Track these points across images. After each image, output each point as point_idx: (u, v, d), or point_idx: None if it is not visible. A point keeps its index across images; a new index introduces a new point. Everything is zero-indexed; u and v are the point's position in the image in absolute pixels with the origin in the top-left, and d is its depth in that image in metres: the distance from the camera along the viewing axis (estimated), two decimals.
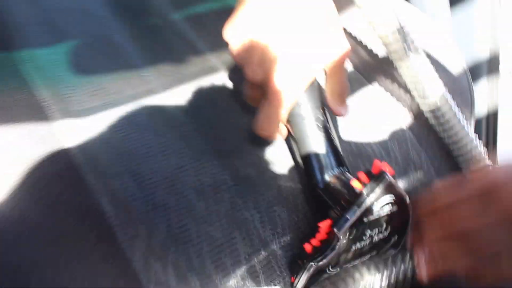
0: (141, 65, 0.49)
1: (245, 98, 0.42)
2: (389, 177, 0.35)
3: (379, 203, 0.36)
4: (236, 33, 0.38)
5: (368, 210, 0.35)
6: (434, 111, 0.45)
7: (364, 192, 0.35)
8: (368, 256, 0.40)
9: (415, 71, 0.44)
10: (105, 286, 0.35)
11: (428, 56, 0.50)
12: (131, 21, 0.54)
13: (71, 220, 0.36)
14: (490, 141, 0.63)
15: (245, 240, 0.40)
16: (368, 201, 0.35)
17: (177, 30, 0.52)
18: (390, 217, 0.37)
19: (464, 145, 0.46)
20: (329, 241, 0.36)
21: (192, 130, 0.45)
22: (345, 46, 0.38)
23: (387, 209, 0.37)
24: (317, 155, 0.40)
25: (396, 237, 0.40)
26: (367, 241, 0.38)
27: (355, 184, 0.37)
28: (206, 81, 0.49)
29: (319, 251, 0.37)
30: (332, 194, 0.39)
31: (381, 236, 0.38)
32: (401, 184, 0.45)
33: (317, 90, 0.41)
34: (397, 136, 0.48)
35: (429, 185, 0.48)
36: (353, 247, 0.37)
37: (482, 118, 0.63)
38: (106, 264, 0.35)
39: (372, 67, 0.52)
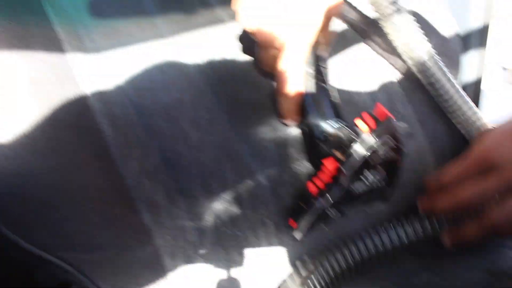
0: (153, 11, 0.47)
1: (259, 63, 0.38)
2: (395, 123, 0.33)
3: (384, 146, 0.33)
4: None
5: (375, 153, 0.32)
6: (423, 72, 0.42)
7: (373, 135, 0.32)
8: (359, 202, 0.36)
9: (401, 31, 0.41)
10: (96, 199, 0.33)
11: (418, 16, 0.47)
12: None
13: (72, 136, 0.34)
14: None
15: (234, 169, 0.38)
16: (375, 144, 0.32)
17: None
18: (385, 159, 0.34)
19: (456, 106, 0.42)
20: (336, 182, 0.33)
21: (194, 71, 0.42)
22: None
23: (385, 151, 0.33)
24: (317, 105, 0.36)
25: (387, 179, 0.36)
26: (365, 182, 0.34)
27: (361, 126, 0.33)
28: (212, 32, 0.46)
29: (324, 192, 0.33)
30: (333, 138, 0.35)
31: (375, 178, 0.35)
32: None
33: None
34: (386, 88, 0.45)
35: (413, 137, 0.44)
36: (354, 188, 0.34)
37: (467, 85, 0.59)
38: (100, 179, 0.34)
39: (364, 26, 0.49)
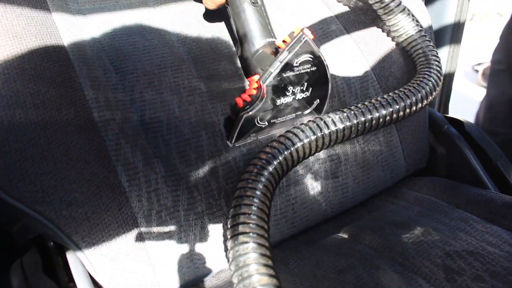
0: None
1: (205, 3, 0.43)
2: (307, 37, 0.36)
3: (299, 59, 0.36)
4: None
5: (288, 65, 0.36)
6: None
7: (286, 49, 0.36)
8: (293, 114, 0.40)
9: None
10: (76, 157, 0.34)
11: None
12: None
13: (53, 93, 0.34)
14: (443, 97, 0.63)
15: (210, 140, 0.39)
16: (288, 56, 0.36)
17: None
18: (310, 76, 0.38)
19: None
20: (257, 95, 0.37)
21: (176, 40, 0.43)
22: None
23: (306, 67, 0.37)
24: (248, 27, 0.40)
25: (318, 101, 0.41)
26: (291, 98, 0.38)
27: (279, 43, 0.38)
28: (196, 4, 0.47)
29: (249, 104, 0.37)
30: (262, 58, 0.39)
31: (303, 95, 0.39)
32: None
33: None
34: (359, 74, 0.47)
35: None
36: (278, 102, 0.38)
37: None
38: (80, 137, 0.35)
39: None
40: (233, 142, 0.39)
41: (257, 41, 0.40)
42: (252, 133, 0.39)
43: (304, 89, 0.39)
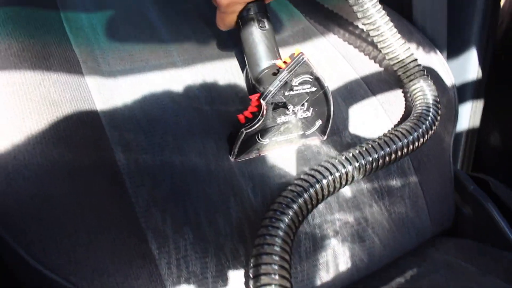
0: (167, 40, 0.49)
1: (218, 25, 0.46)
2: (305, 58, 0.37)
3: (298, 79, 0.38)
4: None
5: (288, 84, 0.38)
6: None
7: (285, 69, 0.38)
8: (296, 134, 0.43)
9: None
10: (108, 226, 0.34)
11: (421, 66, 0.50)
12: (167, 3, 0.53)
13: (87, 161, 0.35)
14: (467, 154, 0.63)
15: (238, 205, 0.40)
16: (287, 76, 0.37)
17: (204, 15, 0.52)
18: (310, 97, 0.40)
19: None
20: (258, 112, 0.39)
21: (204, 103, 0.44)
22: None
23: (306, 87, 0.39)
24: (255, 49, 0.43)
25: (320, 122, 0.43)
26: (292, 117, 0.40)
27: (280, 64, 0.40)
28: (223, 64, 0.49)
29: (250, 121, 0.39)
30: (265, 78, 0.41)
31: (304, 114, 0.41)
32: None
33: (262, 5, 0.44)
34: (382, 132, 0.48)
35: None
36: (279, 120, 0.40)
37: (463, 132, 0.62)
38: (112, 206, 0.35)
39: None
40: (234, 157, 0.41)
41: (262, 63, 0.42)
42: (254, 150, 0.41)
43: (305, 109, 0.41)
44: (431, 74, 0.51)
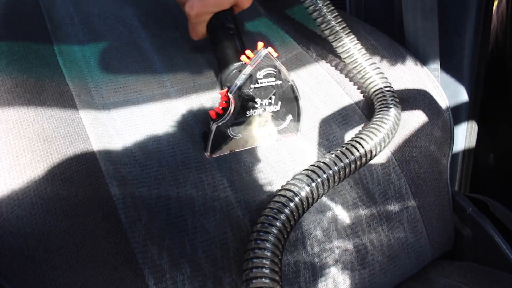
0: (161, 70, 0.49)
1: (190, 35, 0.49)
2: (267, 51, 0.40)
3: (261, 72, 0.40)
4: None
5: (252, 77, 0.40)
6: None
7: (249, 63, 0.40)
8: (267, 129, 0.45)
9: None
10: (103, 263, 0.34)
11: (413, 91, 0.51)
12: (158, 32, 0.54)
13: (82, 197, 0.35)
14: (464, 175, 0.63)
15: (235, 235, 0.40)
16: (251, 69, 0.39)
17: (197, 44, 0.52)
18: (276, 90, 0.42)
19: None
20: (228, 107, 0.41)
21: (198, 134, 0.44)
22: None
23: (270, 80, 0.41)
24: (225, 52, 0.46)
25: (290, 117, 0.45)
26: (260, 110, 0.43)
27: (244, 59, 0.42)
28: (216, 93, 0.49)
29: (221, 116, 0.41)
30: (233, 76, 0.43)
31: (272, 108, 0.43)
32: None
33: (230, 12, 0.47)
34: (381, 160, 0.48)
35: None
36: (248, 114, 0.42)
37: (459, 153, 0.63)
38: (107, 242, 0.35)
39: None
40: (208, 153, 0.43)
41: (231, 64, 0.45)
42: (227, 145, 0.43)
43: (273, 102, 0.43)
44: (425, 96, 0.52)
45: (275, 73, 0.41)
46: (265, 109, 0.43)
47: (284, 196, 0.38)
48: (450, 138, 0.52)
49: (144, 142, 0.42)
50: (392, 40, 0.55)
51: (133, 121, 0.44)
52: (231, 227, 0.40)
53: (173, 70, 0.50)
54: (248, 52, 0.42)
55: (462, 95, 0.59)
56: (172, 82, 0.49)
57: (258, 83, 0.41)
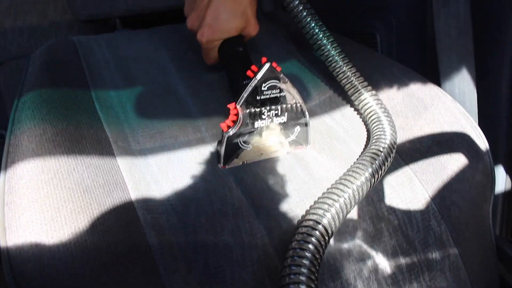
0: (195, 115, 0.50)
1: (204, 60, 0.54)
2: (270, 64, 0.42)
3: (266, 84, 0.43)
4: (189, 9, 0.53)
5: (257, 89, 0.42)
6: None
7: (254, 76, 0.42)
8: (276, 140, 0.46)
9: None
10: None
11: (453, 134, 0.50)
12: (192, 75, 0.55)
13: (121, 249, 0.35)
14: (505, 218, 0.61)
15: (274, 286, 0.39)
16: (255, 81, 0.42)
17: (228, 87, 0.53)
18: (282, 101, 0.44)
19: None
20: (238, 119, 0.43)
21: (233, 180, 0.44)
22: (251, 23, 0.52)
23: (275, 92, 0.43)
24: (236, 71, 0.49)
25: (298, 128, 0.47)
26: (268, 121, 0.45)
27: (249, 73, 0.43)
28: None
29: (232, 128, 0.43)
30: (242, 90, 0.44)
31: (279, 119, 0.45)
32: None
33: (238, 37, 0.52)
34: (420, 206, 0.47)
35: None
36: (256, 124, 0.44)
37: (499, 195, 0.61)
38: None
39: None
40: (221, 164, 0.45)
41: (240, 80, 0.47)
42: (239, 156, 0.45)
43: (279, 114, 0.45)
44: (463, 139, 0.51)
45: (278, 84, 0.43)
46: (272, 120, 0.45)
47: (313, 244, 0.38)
48: (491, 182, 0.51)
49: (181, 189, 0.42)
50: (426, 81, 0.55)
51: (170, 168, 0.44)
52: (269, 277, 0.39)
53: (208, 114, 0.50)
54: (253, 67, 0.44)
55: (501, 136, 0.58)
56: (207, 127, 0.49)
57: (263, 94, 0.43)
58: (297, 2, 0.50)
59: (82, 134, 0.43)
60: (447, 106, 0.53)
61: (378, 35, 0.67)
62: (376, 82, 0.55)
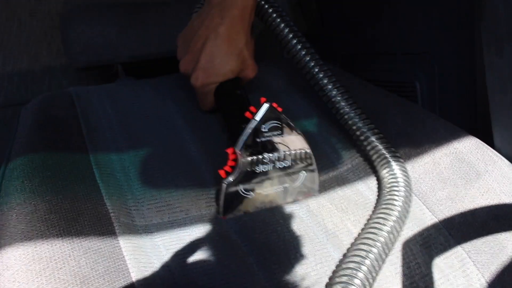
0: (210, 184, 0.48)
1: (201, 107, 0.57)
2: (270, 104, 0.43)
3: (266, 125, 0.43)
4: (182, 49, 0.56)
5: (258, 131, 0.43)
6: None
7: (253, 117, 0.43)
8: (281, 187, 0.47)
9: None
10: None
11: (508, 205, 0.48)
12: (205, 135, 0.54)
13: None
14: None
15: None
16: (255, 123, 0.43)
17: None
18: (284, 144, 0.45)
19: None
20: (236, 164, 0.43)
21: (255, 263, 0.43)
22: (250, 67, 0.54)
23: (276, 133, 0.44)
24: (230, 115, 0.52)
25: (305, 173, 0.47)
26: (270, 166, 0.45)
27: (248, 115, 0.44)
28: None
29: (231, 174, 0.44)
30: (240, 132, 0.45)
31: (283, 163, 0.46)
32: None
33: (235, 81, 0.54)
34: None
35: None
36: (258, 170, 0.44)
37: None
38: None
39: None
40: (221, 214, 0.45)
41: (238, 124, 0.47)
42: (241, 205, 0.45)
43: (282, 157, 0.46)
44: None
45: (280, 125, 0.44)
46: (275, 164, 0.45)
47: None
48: None
49: (194, 277, 0.40)
50: (479, 142, 0.54)
51: (180, 249, 0.42)
52: None
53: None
54: (251, 108, 0.45)
55: None
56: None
57: (264, 136, 0.44)
58: (303, 52, 0.53)
59: (80, 210, 0.41)
60: (504, 172, 0.51)
61: (418, 84, 0.66)
62: (418, 142, 0.54)
